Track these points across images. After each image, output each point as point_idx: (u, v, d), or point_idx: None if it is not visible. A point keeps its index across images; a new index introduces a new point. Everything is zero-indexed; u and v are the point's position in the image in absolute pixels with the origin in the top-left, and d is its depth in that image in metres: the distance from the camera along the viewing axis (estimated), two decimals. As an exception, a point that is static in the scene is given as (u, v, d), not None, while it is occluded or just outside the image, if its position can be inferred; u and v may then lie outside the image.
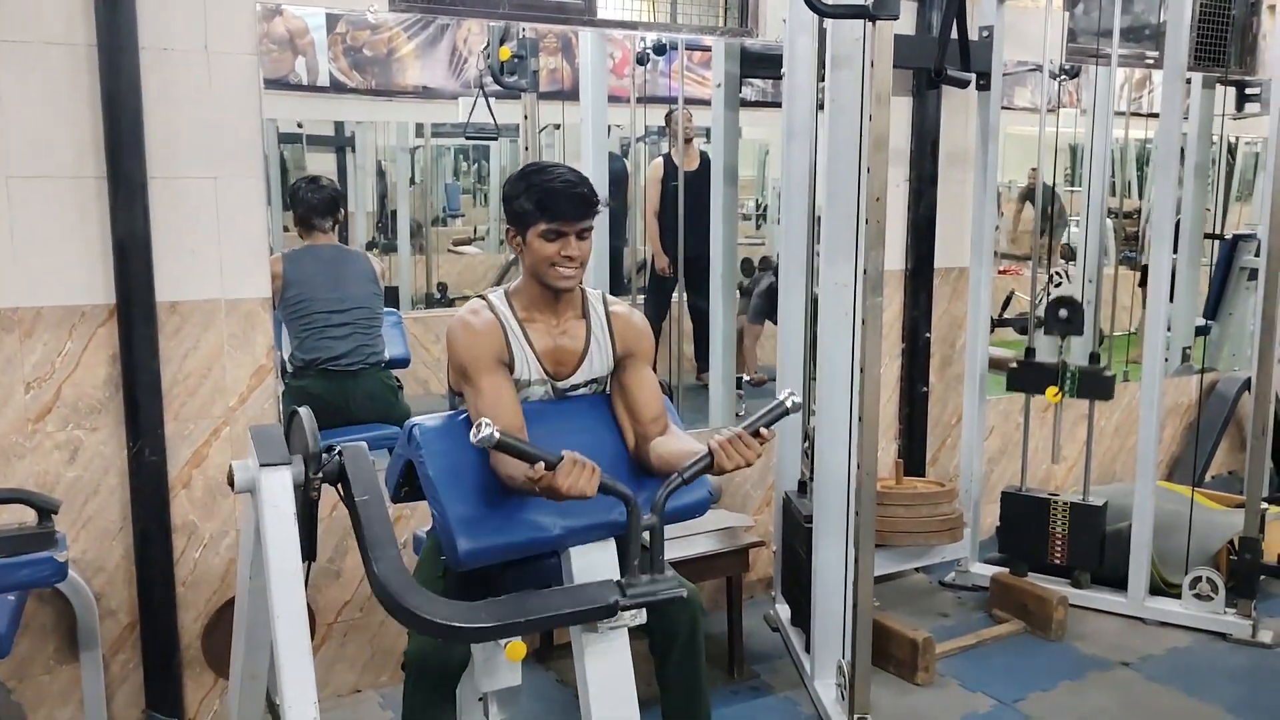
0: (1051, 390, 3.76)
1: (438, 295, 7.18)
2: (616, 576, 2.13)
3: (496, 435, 1.84)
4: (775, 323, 3.71)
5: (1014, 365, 3.89)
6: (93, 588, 2.78)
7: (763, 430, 2.05)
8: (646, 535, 1.97)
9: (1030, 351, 3.89)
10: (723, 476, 3.67)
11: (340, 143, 7.22)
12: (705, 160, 4.60)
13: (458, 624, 1.84)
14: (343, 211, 4.09)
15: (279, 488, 1.90)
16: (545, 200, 2.19)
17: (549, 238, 2.20)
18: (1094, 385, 3.75)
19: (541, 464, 1.90)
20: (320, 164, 7.18)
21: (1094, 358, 3.81)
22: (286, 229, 4.17)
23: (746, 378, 5.68)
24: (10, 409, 2.68)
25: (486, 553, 2.08)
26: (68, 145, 2.66)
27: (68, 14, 2.61)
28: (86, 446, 2.77)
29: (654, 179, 5.11)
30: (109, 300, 2.73)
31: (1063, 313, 3.79)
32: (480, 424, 1.83)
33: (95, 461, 2.79)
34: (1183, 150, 4.09)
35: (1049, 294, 4.89)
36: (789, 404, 2.06)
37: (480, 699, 2.50)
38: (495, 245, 8.07)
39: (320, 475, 1.97)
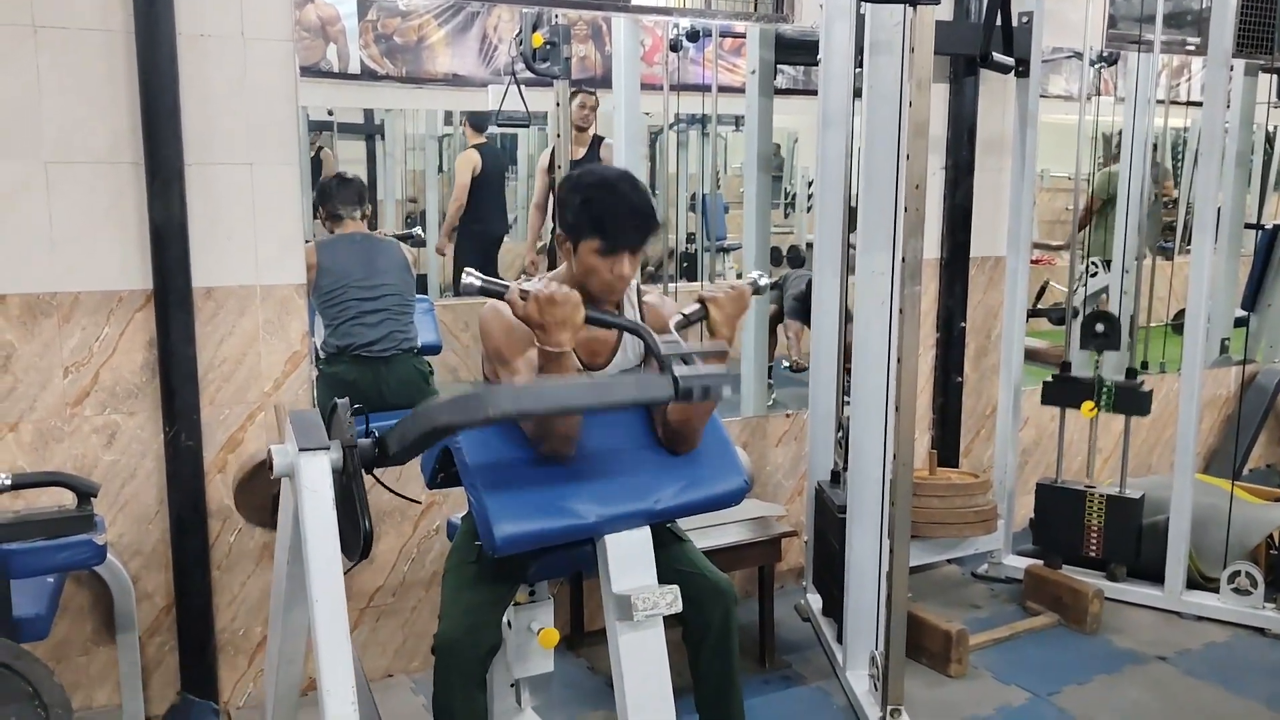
0: (1087, 405, 3.73)
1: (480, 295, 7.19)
2: (652, 565, 2.14)
3: (477, 283, 2.00)
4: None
5: (1049, 380, 3.87)
6: (129, 571, 2.80)
7: (741, 284, 2.19)
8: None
9: (1066, 365, 3.86)
10: (756, 464, 3.68)
11: (370, 130, 7.25)
12: (595, 144, 4.59)
13: (520, 406, 1.87)
14: (370, 206, 4.11)
15: (318, 472, 1.90)
16: (605, 223, 2.16)
17: (603, 254, 2.19)
18: (1130, 401, 3.72)
19: (516, 291, 2.01)
20: (350, 151, 7.21)
21: (1130, 373, 3.78)
22: (316, 216, 4.19)
23: (786, 363, 5.67)
24: (49, 393, 2.71)
25: (523, 539, 2.07)
26: (105, 131, 2.67)
27: (105, 0, 2.62)
28: (124, 430, 2.79)
29: (541, 170, 5.09)
30: (146, 285, 2.75)
31: (1099, 327, 3.75)
32: (464, 273, 1.98)
33: (132, 445, 2.81)
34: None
35: (1085, 285, 4.84)
36: (761, 281, 2.25)
37: (512, 685, 2.51)
38: (522, 233, 8.08)
39: (358, 455, 1.97)
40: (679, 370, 1.91)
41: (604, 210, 2.17)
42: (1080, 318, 3.89)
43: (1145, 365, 4.78)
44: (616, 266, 2.20)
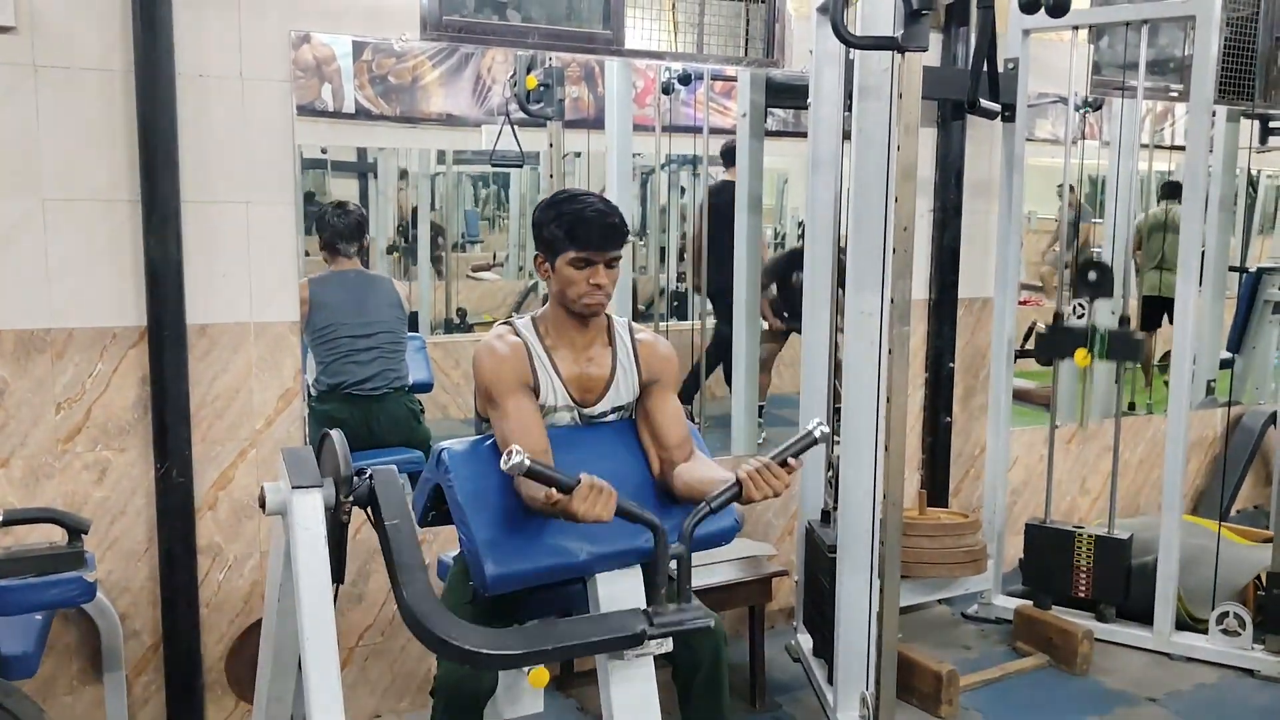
0: (1081, 353, 3.72)
1: (457, 320, 7.22)
2: (642, 603, 2.14)
3: (527, 462, 1.85)
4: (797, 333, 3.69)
5: (1041, 330, 3.84)
6: (118, 608, 2.79)
7: (790, 460, 2.05)
8: (674, 565, 1.96)
9: (1058, 316, 3.86)
10: (746, 506, 3.68)
11: (363, 169, 7.29)
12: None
13: (486, 651, 1.83)
14: (368, 237, 4.13)
15: (310, 510, 1.91)
16: (575, 229, 2.21)
17: (578, 265, 2.22)
18: (1124, 347, 3.71)
19: (554, 489, 1.92)
20: (343, 190, 7.24)
21: (1123, 320, 3.76)
22: (308, 254, 4.20)
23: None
24: (41, 429, 2.71)
25: (514, 578, 2.08)
26: (102, 169, 2.69)
27: (106, 41, 2.65)
28: (115, 467, 2.79)
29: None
30: (140, 322, 2.76)
31: (1091, 275, 3.74)
32: (511, 451, 1.84)
33: (123, 482, 2.80)
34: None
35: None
36: (817, 434, 2.06)
37: (503, 725, 2.50)
38: (514, 271, 8.11)
39: (351, 499, 1.97)
40: (659, 619, 1.93)
41: (574, 219, 2.22)
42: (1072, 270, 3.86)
43: (1132, 406, 4.82)
44: (593, 276, 2.23)
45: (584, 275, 2.22)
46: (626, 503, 1.98)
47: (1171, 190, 6.65)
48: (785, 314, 5.09)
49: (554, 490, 1.92)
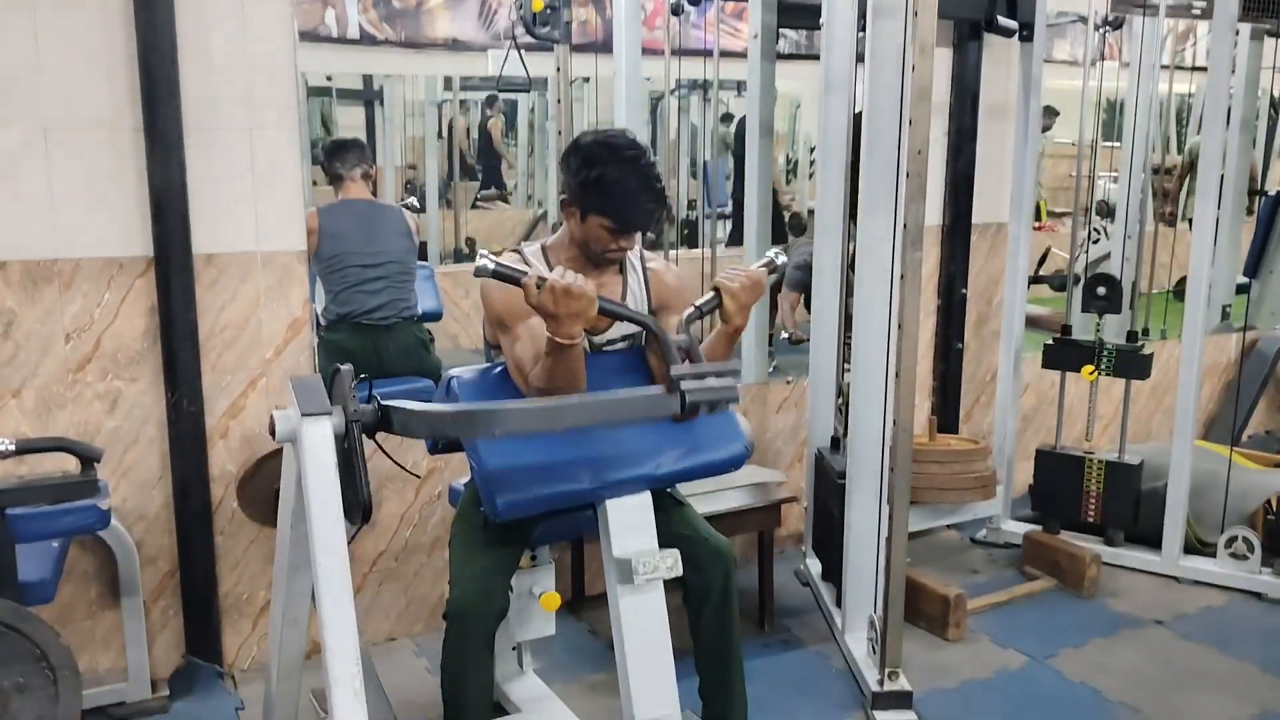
0: (1087, 369, 3.73)
1: (466, 250, 7.19)
2: (652, 529, 2.15)
3: (491, 264, 1.95)
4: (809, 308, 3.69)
5: (1050, 343, 3.85)
6: (133, 535, 2.82)
7: (756, 269, 2.14)
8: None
9: (1066, 329, 3.85)
10: (756, 430, 3.69)
11: (369, 96, 7.22)
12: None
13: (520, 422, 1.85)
14: (373, 166, 4.09)
15: (320, 437, 1.91)
16: (617, 207, 2.17)
17: (613, 232, 2.20)
18: (1131, 364, 3.71)
19: (533, 279, 1.95)
20: (349, 118, 7.18)
21: (1131, 335, 3.77)
22: (315, 183, 4.18)
23: (785, 334, 5.68)
24: (51, 359, 2.71)
25: (524, 504, 2.09)
26: (104, 97, 2.65)
27: (102, -38, 2.60)
28: (126, 396, 2.80)
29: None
30: (146, 252, 2.74)
31: (1100, 290, 3.74)
32: (479, 254, 1.93)
33: (134, 411, 2.82)
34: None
35: (1087, 251, 4.83)
36: (776, 259, 2.21)
37: (514, 648, 2.54)
38: (523, 199, 8.06)
39: (360, 423, 1.97)
40: (686, 385, 1.89)
41: (621, 193, 2.16)
42: (1081, 283, 3.88)
43: (1146, 331, 4.78)
44: (624, 240, 2.22)
45: (614, 238, 2.21)
46: (610, 302, 2.03)
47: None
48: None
49: (527, 284, 1.96)
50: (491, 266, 1.96)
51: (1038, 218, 7.80)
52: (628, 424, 2.09)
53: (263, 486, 2.71)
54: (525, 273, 1.98)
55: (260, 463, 2.79)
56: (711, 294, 2.11)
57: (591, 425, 2.01)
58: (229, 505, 2.96)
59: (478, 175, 8.04)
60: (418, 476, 3.14)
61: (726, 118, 6.48)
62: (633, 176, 2.17)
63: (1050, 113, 6.33)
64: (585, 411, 1.91)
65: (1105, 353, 3.72)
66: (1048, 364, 3.87)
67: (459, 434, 1.87)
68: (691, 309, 2.07)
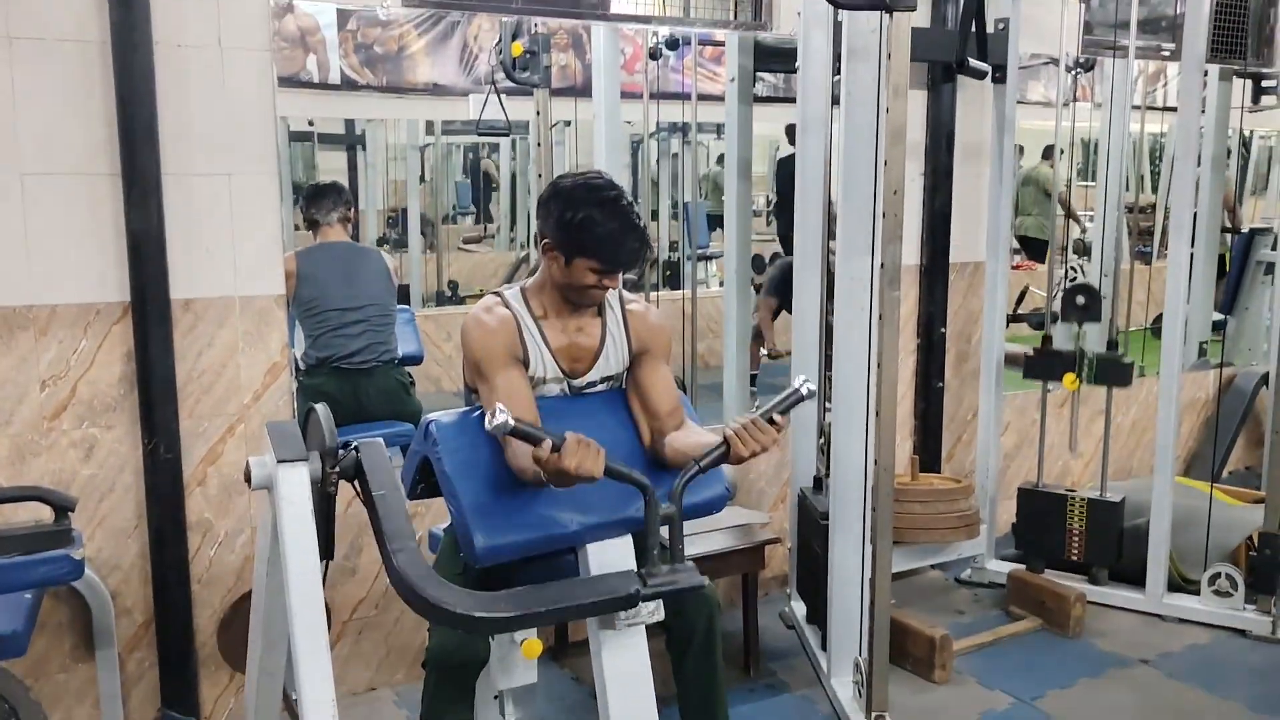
0: (1069, 378, 3.72)
1: (448, 293, 7.19)
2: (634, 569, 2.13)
3: (511, 421, 1.85)
4: (789, 311, 3.69)
5: (1030, 353, 3.85)
6: (108, 586, 2.78)
7: (777, 417, 2.05)
8: (665, 529, 1.95)
9: (1047, 339, 3.85)
10: (739, 471, 3.68)
11: (351, 141, 7.25)
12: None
13: (478, 614, 1.82)
14: (352, 209, 4.10)
15: (296, 484, 1.89)
16: (604, 249, 2.17)
17: (597, 271, 2.20)
18: (1112, 372, 3.71)
19: (549, 443, 1.90)
20: (331, 162, 7.20)
21: (1112, 344, 3.76)
22: (298, 227, 4.18)
23: (765, 351, 5.67)
24: (26, 407, 2.68)
25: (504, 549, 2.07)
26: (81, 142, 2.65)
27: (81, 10, 2.60)
28: (102, 444, 2.77)
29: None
30: (123, 298, 2.73)
31: (1080, 299, 3.74)
32: (495, 410, 1.84)
33: (110, 459, 2.78)
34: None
35: (1064, 290, 4.88)
36: (804, 390, 2.07)
37: (496, 697, 2.50)
38: (505, 243, 8.08)
39: (337, 471, 1.95)
40: (652, 580, 1.91)
41: (606, 235, 2.16)
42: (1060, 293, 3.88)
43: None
44: (609, 281, 2.22)
45: (599, 279, 2.21)
46: (615, 462, 1.96)
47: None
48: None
49: (542, 448, 1.90)
50: (511, 424, 1.86)
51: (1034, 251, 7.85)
52: (581, 616, 2.06)
53: (244, 631, 2.60)
54: (544, 437, 1.91)
55: (241, 602, 2.73)
56: (721, 445, 2.05)
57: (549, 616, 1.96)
58: (206, 553, 2.92)
59: (457, 220, 8.07)
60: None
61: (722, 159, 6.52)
62: (616, 218, 2.17)
63: (1018, 151, 6.43)
64: (540, 600, 1.89)
65: (1087, 361, 3.71)
66: (1029, 375, 3.86)
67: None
68: (694, 466, 2.01)
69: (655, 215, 6.99)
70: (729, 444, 2.03)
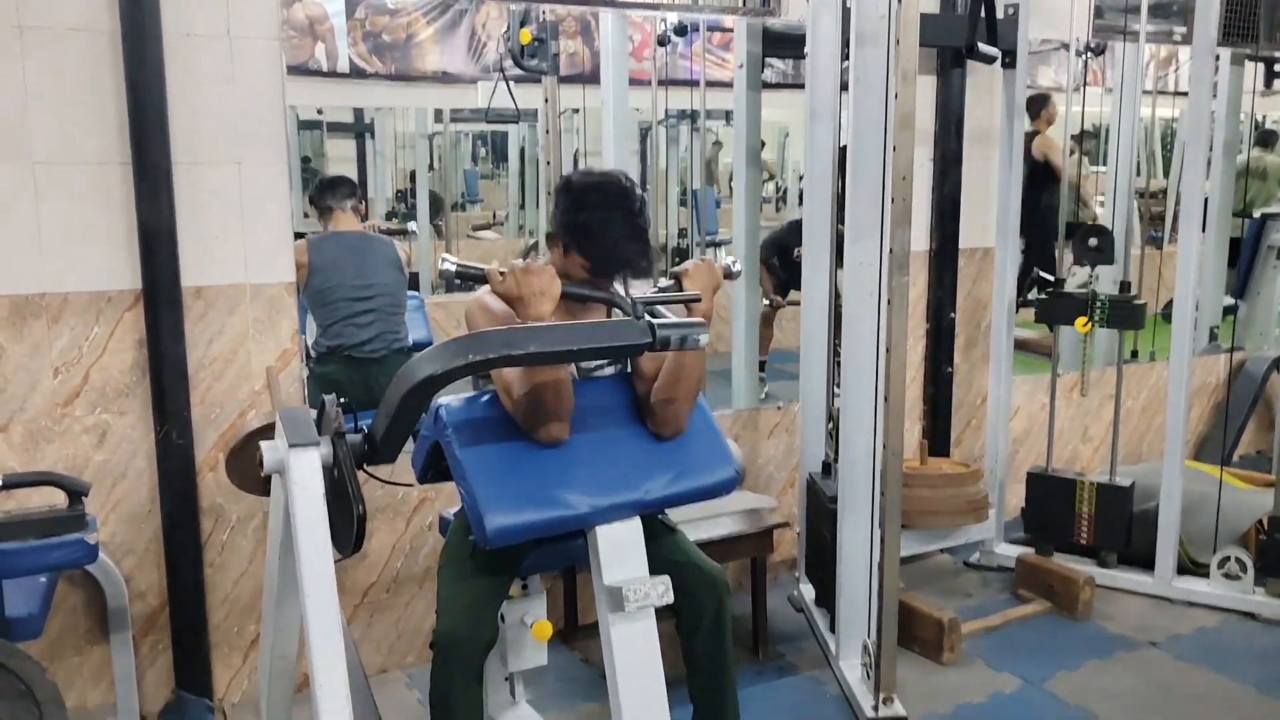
0: (1081, 320, 3.69)
1: (458, 282, 7.20)
2: (643, 556, 2.15)
3: (453, 268, 2.07)
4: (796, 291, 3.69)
5: (1043, 296, 3.82)
6: (122, 570, 2.81)
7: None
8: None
9: (1060, 282, 3.83)
10: (748, 456, 3.68)
11: (359, 129, 7.25)
12: None
13: (497, 351, 1.88)
14: (361, 199, 4.11)
15: (308, 468, 1.91)
16: (597, 253, 2.19)
17: (586, 271, 2.22)
18: (1124, 314, 3.69)
19: (494, 270, 2.05)
20: (340, 150, 7.21)
21: (1124, 286, 3.74)
22: (306, 215, 4.19)
23: (765, 301, 5.63)
24: (39, 393, 2.71)
25: (514, 530, 2.08)
26: (92, 132, 2.67)
27: (91, 0, 2.61)
28: (114, 430, 2.79)
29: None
30: (135, 285, 2.75)
31: (1092, 241, 3.71)
32: (441, 258, 2.01)
33: (123, 445, 2.81)
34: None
35: (1073, 274, 4.86)
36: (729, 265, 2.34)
37: (507, 679, 2.52)
38: (514, 230, 8.09)
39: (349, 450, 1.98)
40: (657, 322, 1.99)
41: (603, 240, 2.18)
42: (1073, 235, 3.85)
43: (1135, 354, 4.81)
44: (600, 283, 2.23)
45: (589, 278, 2.23)
46: (572, 284, 2.13)
47: (1262, 139, 6.72)
48: (787, 289, 5.09)
49: (492, 277, 2.05)
50: (454, 268, 2.08)
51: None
52: (604, 355, 2.17)
53: (252, 460, 2.62)
54: (484, 268, 2.09)
55: (250, 437, 2.74)
56: (670, 280, 2.28)
57: (570, 352, 2.01)
58: (219, 538, 2.95)
59: (466, 208, 8.08)
60: (411, 485, 3.11)
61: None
62: (618, 225, 2.18)
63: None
64: (558, 338, 1.96)
65: (1099, 304, 3.69)
66: (1041, 318, 3.84)
67: (437, 367, 1.86)
68: (653, 290, 2.21)
69: (664, 202, 6.98)
70: (679, 278, 2.25)
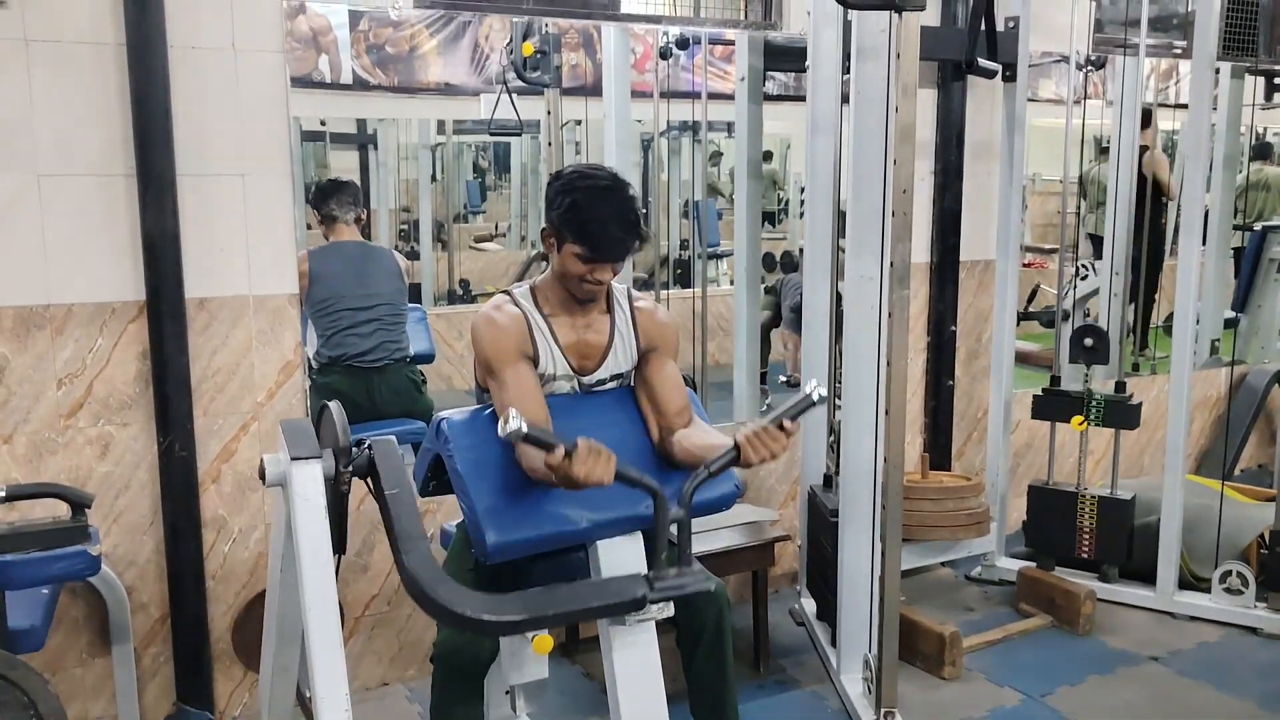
0: (1077, 420, 3.74)
1: (460, 292, 7.21)
2: (644, 570, 2.15)
3: (524, 428, 1.84)
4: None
5: (1039, 394, 3.87)
6: (124, 582, 2.81)
7: (787, 423, 2.04)
8: (674, 529, 1.96)
9: (1055, 380, 3.87)
10: (748, 471, 3.68)
11: (363, 140, 7.28)
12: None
13: (487, 617, 1.84)
14: (365, 211, 4.11)
15: (310, 481, 1.91)
16: (588, 234, 2.17)
17: (583, 260, 2.20)
18: (1119, 414, 3.72)
19: (561, 450, 1.90)
20: (343, 161, 7.23)
21: (1119, 386, 3.78)
22: (310, 226, 4.20)
23: (784, 376, 5.67)
24: (43, 405, 2.71)
25: (515, 546, 2.09)
26: (97, 143, 2.68)
27: (97, 13, 2.63)
28: (118, 442, 2.80)
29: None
30: (139, 297, 2.76)
31: (1088, 341, 3.76)
32: (508, 415, 1.83)
33: (126, 457, 2.81)
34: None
35: (1075, 287, 4.87)
36: (814, 397, 2.06)
37: (507, 692, 2.52)
38: (516, 241, 8.10)
39: (350, 469, 1.98)
40: (660, 583, 1.90)
41: (590, 219, 2.16)
42: (1070, 324, 3.88)
43: (1136, 367, 4.82)
44: (596, 272, 2.20)
45: (587, 268, 2.21)
46: (626, 466, 1.96)
47: (1260, 152, 6.72)
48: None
49: (554, 454, 1.90)
50: (524, 431, 1.84)
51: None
52: (595, 616, 2.05)
53: (258, 627, 2.60)
54: (557, 443, 1.91)
55: (256, 600, 2.75)
56: (732, 450, 2.04)
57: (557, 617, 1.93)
58: (221, 550, 2.95)
59: (468, 219, 8.10)
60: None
61: (767, 155, 6.54)
62: (607, 205, 2.17)
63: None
64: (549, 604, 1.88)
65: (1094, 403, 3.72)
66: (1038, 415, 3.87)
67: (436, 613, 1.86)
68: (704, 471, 2.00)
69: (666, 213, 7.00)
70: (739, 449, 2.03)
